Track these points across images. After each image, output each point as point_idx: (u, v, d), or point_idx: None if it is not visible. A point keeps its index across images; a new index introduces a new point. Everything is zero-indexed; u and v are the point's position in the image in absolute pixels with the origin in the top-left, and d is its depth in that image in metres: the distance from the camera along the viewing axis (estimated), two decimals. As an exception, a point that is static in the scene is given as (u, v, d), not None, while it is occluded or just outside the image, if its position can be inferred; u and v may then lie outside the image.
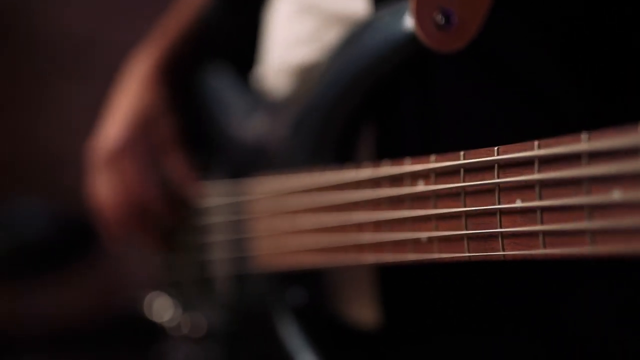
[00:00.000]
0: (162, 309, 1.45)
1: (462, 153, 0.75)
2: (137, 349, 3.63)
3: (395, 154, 0.89)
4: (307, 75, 1.09)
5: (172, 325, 1.42)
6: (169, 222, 1.34)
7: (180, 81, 1.36)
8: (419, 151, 0.86)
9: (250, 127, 1.19)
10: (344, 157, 1.01)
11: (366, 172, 0.90)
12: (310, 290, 1.11)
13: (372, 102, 0.99)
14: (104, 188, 1.35)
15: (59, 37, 3.81)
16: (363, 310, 1.08)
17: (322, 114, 1.02)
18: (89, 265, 3.62)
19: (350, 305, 1.10)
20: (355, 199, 0.90)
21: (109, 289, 3.83)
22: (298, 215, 1.03)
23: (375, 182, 0.89)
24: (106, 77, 3.78)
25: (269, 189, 1.09)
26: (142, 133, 1.32)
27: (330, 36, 1.05)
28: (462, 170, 0.75)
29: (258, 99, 1.20)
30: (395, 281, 1.03)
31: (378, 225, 0.88)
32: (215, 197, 1.26)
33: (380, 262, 0.88)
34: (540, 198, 0.68)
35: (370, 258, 0.89)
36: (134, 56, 1.43)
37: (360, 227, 0.90)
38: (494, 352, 1.04)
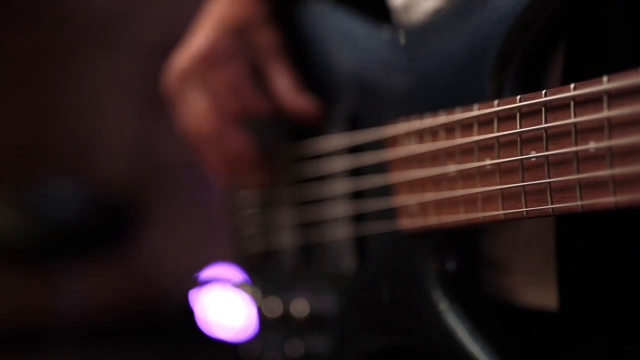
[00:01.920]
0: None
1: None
2: (169, 339, 3.55)
3: (588, 76, 0.71)
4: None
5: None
6: (274, 135, 1.14)
7: (286, 10, 1.14)
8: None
9: (380, 61, 0.98)
10: (526, 84, 0.83)
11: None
12: (467, 262, 0.91)
13: (569, 13, 0.80)
14: (191, 111, 1.12)
15: (90, 12, 3.67)
16: (536, 290, 0.89)
17: (499, 32, 0.82)
18: (122, 254, 3.49)
19: (520, 283, 0.90)
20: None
21: (143, 279, 3.69)
22: (454, 161, 0.84)
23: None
24: (139, 53, 3.67)
25: (416, 128, 0.89)
26: (238, 38, 1.11)
27: None
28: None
29: (387, 28, 0.99)
30: (576, 256, 0.84)
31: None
32: (333, 139, 1.06)
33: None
34: None
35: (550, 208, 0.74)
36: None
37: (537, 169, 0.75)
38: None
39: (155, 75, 3.79)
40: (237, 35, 1.11)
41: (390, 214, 0.93)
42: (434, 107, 0.88)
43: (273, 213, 1.18)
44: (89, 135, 3.70)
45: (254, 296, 1.20)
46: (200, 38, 1.11)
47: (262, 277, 1.21)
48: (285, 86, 1.10)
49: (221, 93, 1.09)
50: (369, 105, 0.99)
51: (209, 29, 1.11)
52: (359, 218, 1.00)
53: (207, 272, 3.47)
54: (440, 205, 0.85)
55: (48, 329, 3.30)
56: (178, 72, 1.12)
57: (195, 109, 1.11)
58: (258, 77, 1.12)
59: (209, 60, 1.09)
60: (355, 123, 1.02)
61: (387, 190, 0.94)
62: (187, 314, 3.56)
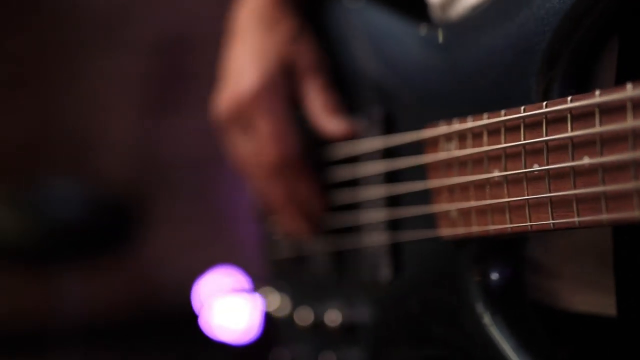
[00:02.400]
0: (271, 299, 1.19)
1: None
2: (171, 341, 3.52)
3: None
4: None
5: (281, 315, 1.16)
6: (314, 182, 1.10)
7: (315, 8, 1.10)
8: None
9: (417, 60, 0.93)
10: (576, 83, 0.77)
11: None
12: (512, 270, 0.85)
13: (622, 7, 0.75)
14: (240, 148, 1.12)
15: (90, 11, 3.62)
16: (591, 295, 0.84)
17: (547, 28, 0.77)
18: (123, 255, 3.44)
19: (572, 289, 0.86)
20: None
21: (145, 280, 3.64)
22: (498, 166, 0.79)
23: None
24: (139, 52, 3.62)
25: (457, 130, 0.84)
26: (283, 72, 1.08)
27: None
28: None
29: (424, 25, 0.94)
30: (635, 259, 0.79)
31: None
32: (366, 143, 1.01)
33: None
34: None
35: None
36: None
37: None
38: None
39: (156, 74, 3.73)
40: (281, 68, 1.08)
41: (429, 221, 0.89)
42: (476, 109, 0.83)
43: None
44: (89, 134, 3.65)
45: (282, 305, 1.16)
46: (245, 78, 1.08)
47: (291, 284, 1.17)
48: (318, 108, 1.06)
49: (263, 143, 1.07)
50: (405, 107, 0.94)
51: (252, 65, 1.08)
52: (394, 225, 0.96)
53: (228, 282, 3.46)
54: (484, 213, 0.81)
55: (49, 330, 3.26)
56: (224, 114, 1.11)
57: (244, 152, 1.11)
58: (295, 106, 1.09)
59: (250, 110, 1.07)
60: (390, 125, 0.97)
61: (425, 196, 0.89)
62: (190, 315, 3.54)
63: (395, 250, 0.96)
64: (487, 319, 0.83)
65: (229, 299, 3.42)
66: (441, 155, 0.86)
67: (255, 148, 1.08)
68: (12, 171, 3.52)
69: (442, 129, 0.86)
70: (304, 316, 1.08)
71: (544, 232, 0.77)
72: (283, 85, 1.07)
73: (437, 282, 0.89)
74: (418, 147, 0.90)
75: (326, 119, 1.06)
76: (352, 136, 1.04)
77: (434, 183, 0.87)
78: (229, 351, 3.45)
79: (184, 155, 3.67)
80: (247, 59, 1.09)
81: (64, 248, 3.12)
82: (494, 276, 0.84)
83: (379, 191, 0.98)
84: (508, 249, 0.85)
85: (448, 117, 0.86)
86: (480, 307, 0.84)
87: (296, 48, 1.08)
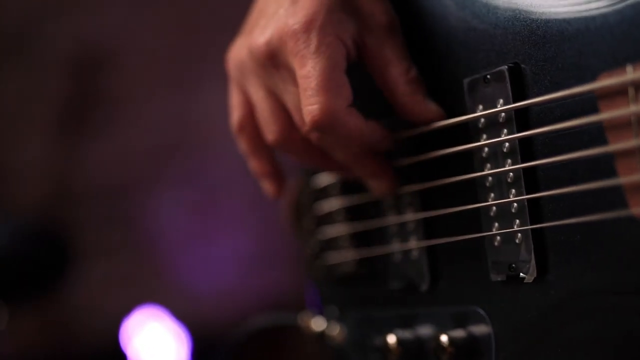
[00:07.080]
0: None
1: None
2: None
3: None
4: None
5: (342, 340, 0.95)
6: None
7: None
8: None
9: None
10: None
11: None
12: None
13: None
14: (258, 94, 0.87)
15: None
16: None
17: None
18: (40, 293, 3.17)
19: None
20: None
21: (64, 320, 3.38)
22: None
23: None
24: (47, 68, 3.36)
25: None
26: (343, 11, 0.81)
27: None
28: None
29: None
30: None
31: None
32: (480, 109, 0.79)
33: None
34: None
35: None
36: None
37: None
38: None
39: (75, 91, 3.44)
40: (344, 6, 0.82)
41: (606, 198, 0.68)
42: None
43: (373, 214, 0.91)
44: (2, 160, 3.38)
45: (338, 337, 0.94)
46: (294, 5, 0.82)
47: (355, 296, 0.95)
48: (402, 81, 0.82)
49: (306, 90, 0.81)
50: (551, 55, 0.72)
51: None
52: (537, 207, 0.74)
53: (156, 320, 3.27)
54: None
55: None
56: (258, 50, 0.84)
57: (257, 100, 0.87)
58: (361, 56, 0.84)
59: (306, 37, 0.80)
60: (523, 84, 0.75)
61: (593, 167, 0.69)
62: (117, 356, 3.30)
63: (540, 238, 0.74)
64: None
65: (156, 337, 3.25)
66: (626, 110, 0.65)
67: (295, 95, 0.83)
68: None
69: (624, 75, 0.65)
70: (390, 339, 0.86)
71: None
72: (346, 24, 0.81)
73: (622, 278, 0.68)
74: (582, 105, 0.69)
75: (415, 98, 0.82)
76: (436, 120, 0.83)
77: (616, 148, 0.66)
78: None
79: (110, 180, 3.43)
80: None
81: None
82: None
83: (509, 167, 0.76)
84: None
85: (631, 59, 0.66)
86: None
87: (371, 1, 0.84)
